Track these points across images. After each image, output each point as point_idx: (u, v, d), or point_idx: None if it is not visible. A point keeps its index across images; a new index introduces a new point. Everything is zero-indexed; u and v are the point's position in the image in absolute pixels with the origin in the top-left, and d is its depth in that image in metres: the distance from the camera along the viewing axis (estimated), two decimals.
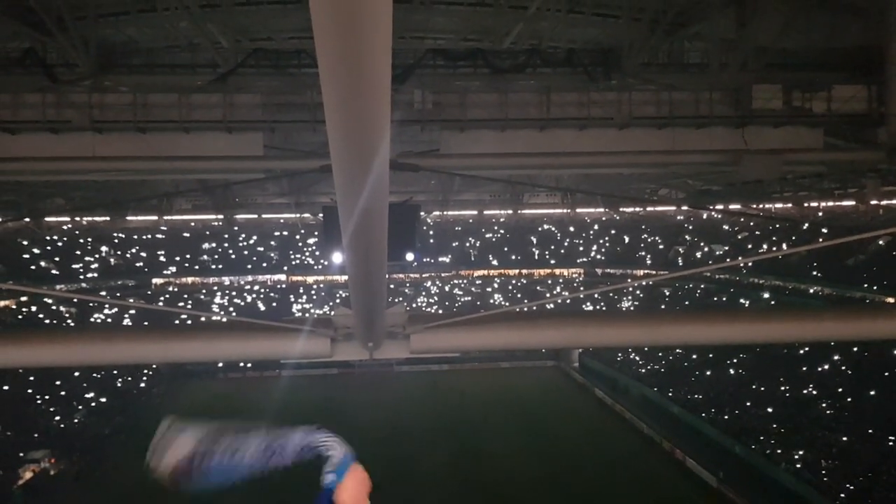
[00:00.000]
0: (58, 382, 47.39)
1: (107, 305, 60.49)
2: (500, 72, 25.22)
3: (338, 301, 62.78)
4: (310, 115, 22.18)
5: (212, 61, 26.65)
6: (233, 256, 74.19)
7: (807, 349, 45.53)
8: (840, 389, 41.82)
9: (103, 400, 49.75)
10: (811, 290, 53.85)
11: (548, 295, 69.75)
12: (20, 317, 55.13)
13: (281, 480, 3.64)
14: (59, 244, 65.10)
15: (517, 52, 26.57)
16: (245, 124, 22.09)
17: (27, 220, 57.62)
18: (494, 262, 76.79)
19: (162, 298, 67.86)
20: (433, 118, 22.73)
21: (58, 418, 44.86)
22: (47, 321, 56.70)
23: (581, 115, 22.61)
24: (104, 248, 68.68)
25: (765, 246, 59.74)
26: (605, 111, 22.55)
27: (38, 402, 45.76)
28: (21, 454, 38.72)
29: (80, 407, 47.56)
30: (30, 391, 45.67)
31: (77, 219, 66.79)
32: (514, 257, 76.90)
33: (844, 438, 37.05)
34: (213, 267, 73.56)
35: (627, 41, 25.25)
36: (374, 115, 3.18)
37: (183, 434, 3.00)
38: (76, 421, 45.78)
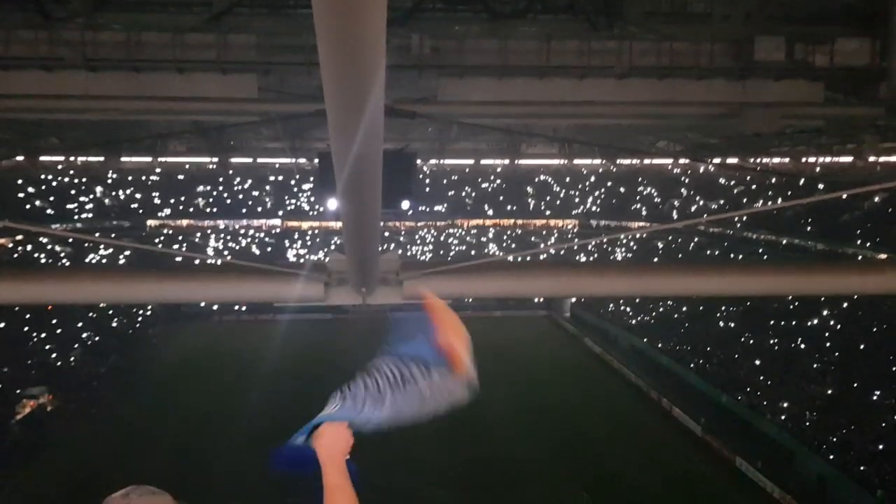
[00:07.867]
0: (54, 321, 47.69)
1: (102, 246, 60.43)
2: (500, 17, 24.77)
3: (333, 247, 62.94)
4: (305, 58, 21.78)
5: None
6: (228, 200, 73.97)
7: (797, 303, 45.96)
8: (828, 344, 42.37)
9: (98, 339, 50.19)
10: (804, 245, 54.10)
11: (542, 245, 69.96)
12: (15, 255, 55.16)
13: None
14: (54, 184, 64.76)
15: None
16: (239, 66, 21.70)
17: (20, 158, 57.13)
18: (490, 212, 76.75)
19: (157, 240, 67.87)
20: (431, 64, 22.35)
21: (54, 356, 45.28)
22: (42, 261, 56.77)
23: (581, 63, 22.26)
24: (98, 189, 68.36)
25: (761, 201, 59.78)
26: (604, 60, 22.18)
27: (35, 339, 46.11)
28: (18, 390, 39.20)
29: (75, 346, 47.96)
30: (26, 329, 45.97)
31: (71, 159, 66.28)
32: (509, 208, 76.84)
33: (830, 392, 37.72)
34: (208, 210, 73.44)
35: None
36: (369, 56, 3.15)
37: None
38: (72, 359, 46.22)
